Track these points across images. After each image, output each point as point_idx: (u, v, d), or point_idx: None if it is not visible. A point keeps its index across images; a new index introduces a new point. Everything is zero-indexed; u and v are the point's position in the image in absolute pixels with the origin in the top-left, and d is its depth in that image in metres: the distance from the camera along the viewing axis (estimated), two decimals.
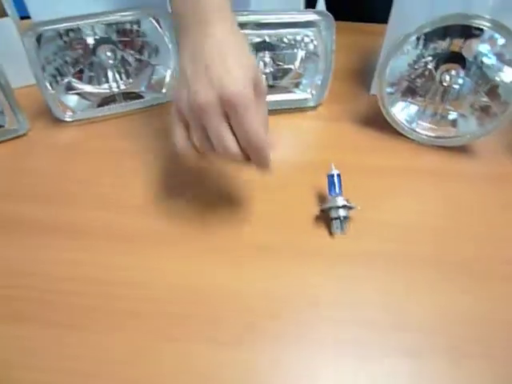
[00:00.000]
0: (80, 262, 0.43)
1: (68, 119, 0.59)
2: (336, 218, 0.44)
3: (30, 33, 0.51)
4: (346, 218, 0.44)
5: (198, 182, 0.52)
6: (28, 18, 0.60)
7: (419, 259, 0.43)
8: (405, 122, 0.56)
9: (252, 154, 0.38)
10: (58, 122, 0.59)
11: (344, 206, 0.43)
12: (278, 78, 0.62)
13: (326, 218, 0.46)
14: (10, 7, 0.61)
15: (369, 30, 0.82)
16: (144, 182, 0.52)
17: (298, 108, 0.62)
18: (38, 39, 0.53)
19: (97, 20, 0.54)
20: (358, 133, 0.59)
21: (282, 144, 0.58)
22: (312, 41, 0.58)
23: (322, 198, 0.49)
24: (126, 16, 0.55)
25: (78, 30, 0.56)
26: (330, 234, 0.45)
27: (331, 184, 0.45)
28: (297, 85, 0.62)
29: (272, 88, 0.62)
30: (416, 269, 0.42)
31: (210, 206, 0.49)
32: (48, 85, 0.56)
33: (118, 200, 0.49)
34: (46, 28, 0.52)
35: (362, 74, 0.70)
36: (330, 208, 0.44)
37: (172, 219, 0.47)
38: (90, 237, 0.45)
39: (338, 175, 0.45)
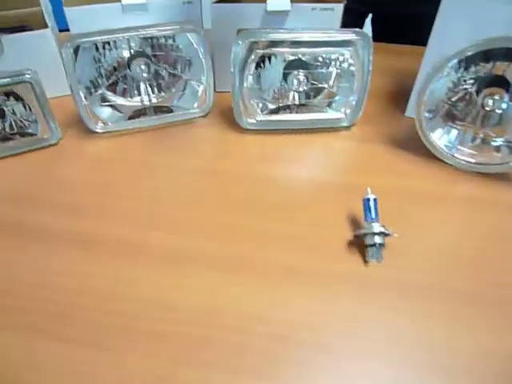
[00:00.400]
0: (98, 276, 0.42)
1: (99, 130, 0.59)
2: (371, 245, 0.41)
3: (68, 44, 0.52)
4: (381, 245, 0.42)
5: (224, 199, 0.50)
6: (67, 30, 0.61)
7: (459, 292, 0.40)
8: (444, 148, 0.53)
9: None
10: (89, 132, 0.59)
11: (380, 233, 0.41)
12: (311, 96, 0.61)
13: (359, 243, 0.44)
14: (50, 19, 0.62)
15: (403, 51, 0.81)
16: (169, 198, 0.51)
17: (330, 128, 0.60)
18: (76, 51, 0.53)
19: (133, 34, 0.55)
20: (392, 155, 0.57)
21: (314, 164, 0.57)
22: (347, 60, 0.57)
23: (354, 222, 0.47)
24: (163, 31, 0.55)
25: (114, 42, 0.57)
26: (365, 261, 0.42)
27: (367, 209, 0.43)
28: (329, 104, 0.61)
29: (304, 107, 0.61)
30: (455, 303, 0.39)
31: (236, 223, 0.47)
32: (82, 96, 0.56)
33: (141, 214, 0.48)
34: (84, 40, 0.53)
35: (396, 95, 0.68)
36: (365, 234, 0.42)
37: (195, 236, 0.46)
38: (110, 250, 0.44)
39: (375, 200, 0.43)
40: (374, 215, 0.43)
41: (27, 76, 0.51)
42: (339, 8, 0.60)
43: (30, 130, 0.56)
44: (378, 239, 0.41)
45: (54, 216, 0.48)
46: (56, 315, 0.38)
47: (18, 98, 0.53)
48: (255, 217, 0.48)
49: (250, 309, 0.39)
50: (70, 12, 0.59)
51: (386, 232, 0.42)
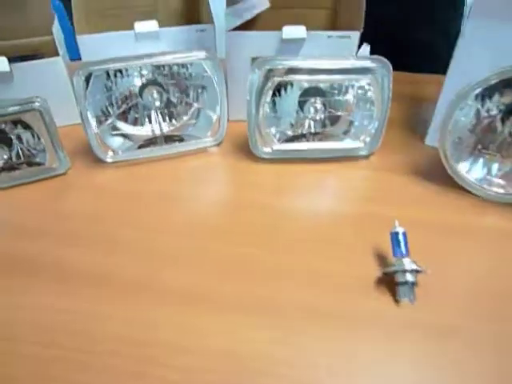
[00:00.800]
0: (111, 317, 0.39)
1: (109, 160, 0.57)
2: (403, 284, 0.38)
3: (80, 72, 0.50)
4: (413, 283, 0.38)
5: (239, 232, 0.48)
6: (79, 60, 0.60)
7: (504, 335, 0.37)
8: (470, 178, 0.51)
9: None
10: (98, 162, 0.57)
11: (412, 270, 0.38)
12: (328, 125, 0.59)
13: (388, 281, 0.40)
14: (61, 47, 0.61)
15: (414, 80, 0.79)
16: (182, 230, 0.48)
17: (349, 157, 0.58)
18: (87, 79, 0.52)
19: (147, 61, 0.53)
20: (415, 185, 0.54)
21: (333, 195, 0.54)
22: (366, 87, 0.55)
23: (380, 257, 0.44)
24: (177, 58, 0.54)
25: (126, 70, 0.56)
26: (395, 301, 0.39)
27: (395, 243, 0.40)
28: (347, 132, 0.59)
29: (321, 135, 0.59)
30: (499, 348, 0.36)
31: (253, 257, 0.44)
32: (92, 124, 0.54)
33: (154, 248, 0.46)
34: (96, 68, 0.52)
35: (413, 123, 0.66)
36: (396, 271, 0.39)
37: (210, 273, 0.43)
38: (124, 288, 0.41)
39: (404, 233, 0.41)
40: (403, 250, 0.40)
41: (36, 104, 0.49)
42: (356, 36, 0.59)
43: (37, 160, 0.54)
44: (409, 277, 0.38)
45: (63, 250, 0.45)
46: (69, 362, 0.35)
47: (26, 127, 0.51)
48: (273, 251, 0.45)
49: (270, 351, 0.36)
50: (82, 40, 0.58)
51: (419, 269, 0.38)
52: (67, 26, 0.70)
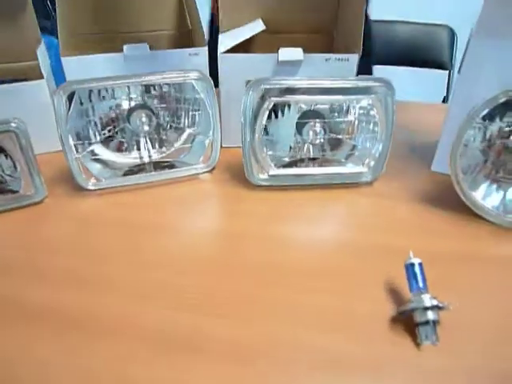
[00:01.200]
0: (95, 371, 0.33)
1: (91, 187, 0.52)
2: (424, 323, 0.33)
3: (61, 92, 0.47)
4: (435, 322, 0.33)
5: (236, 266, 0.43)
6: None
7: None
8: (488, 205, 0.47)
9: None
10: (78, 189, 0.53)
11: (433, 307, 0.33)
12: (328, 149, 0.55)
13: (405, 320, 0.35)
14: (46, 70, 0.58)
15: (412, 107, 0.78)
16: (171, 264, 0.43)
17: (351, 183, 0.54)
18: (70, 100, 0.48)
19: (135, 80, 0.50)
20: (424, 213, 0.50)
21: (335, 224, 0.50)
22: (365, 107, 0.52)
23: (393, 292, 0.39)
24: (167, 78, 0.51)
25: (112, 91, 0.52)
26: (416, 344, 0.33)
27: (412, 276, 0.35)
28: (349, 157, 0.55)
29: (322, 160, 0.55)
30: None
31: (253, 295, 0.39)
32: (73, 148, 0.50)
33: (139, 285, 0.40)
34: (79, 87, 0.48)
35: (416, 148, 0.63)
36: (414, 309, 0.33)
37: (203, 313, 0.37)
38: (104, 334, 0.35)
39: (420, 264, 0.36)
40: (421, 284, 0.35)
41: (12, 125, 0.45)
42: (354, 58, 0.56)
43: (10, 187, 0.49)
44: (431, 315, 0.33)
45: (36, 288, 0.40)
46: None
47: (0, 150, 0.47)
48: (270, 287, 0.40)
49: None
50: (67, 62, 0.55)
51: (440, 305, 0.33)
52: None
